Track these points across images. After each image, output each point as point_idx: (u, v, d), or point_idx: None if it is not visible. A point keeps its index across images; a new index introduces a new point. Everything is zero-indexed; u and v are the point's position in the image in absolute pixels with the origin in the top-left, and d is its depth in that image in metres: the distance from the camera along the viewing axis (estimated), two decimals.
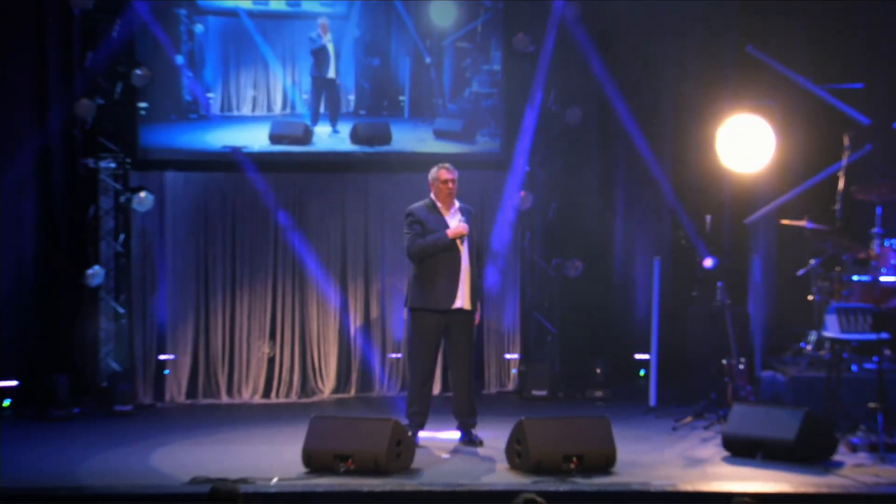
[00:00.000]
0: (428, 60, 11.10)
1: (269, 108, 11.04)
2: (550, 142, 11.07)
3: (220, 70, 10.95)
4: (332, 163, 11.00)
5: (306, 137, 10.94)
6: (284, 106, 11.03)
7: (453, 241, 8.32)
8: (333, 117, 11.03)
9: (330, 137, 11.02)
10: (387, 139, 11.03)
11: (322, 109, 10.98)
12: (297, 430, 7.94)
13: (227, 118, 10.94)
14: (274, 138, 10.92)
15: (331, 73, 10.98)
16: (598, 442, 7.55)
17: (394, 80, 11.15)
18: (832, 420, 8.26)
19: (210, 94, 10.90)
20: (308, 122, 10.98)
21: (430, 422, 8.45)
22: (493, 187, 11.07)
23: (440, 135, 11.09)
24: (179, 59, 10.74)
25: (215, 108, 10.91)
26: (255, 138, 10.88)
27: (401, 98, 11.15)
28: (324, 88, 11.02)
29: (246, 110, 10.98)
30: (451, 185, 8.38)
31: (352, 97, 11.10)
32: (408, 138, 11.06)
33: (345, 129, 11.02)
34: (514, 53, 10.92)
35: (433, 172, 8.47)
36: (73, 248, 10.48)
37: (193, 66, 10.83)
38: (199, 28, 10.88)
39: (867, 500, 7.03)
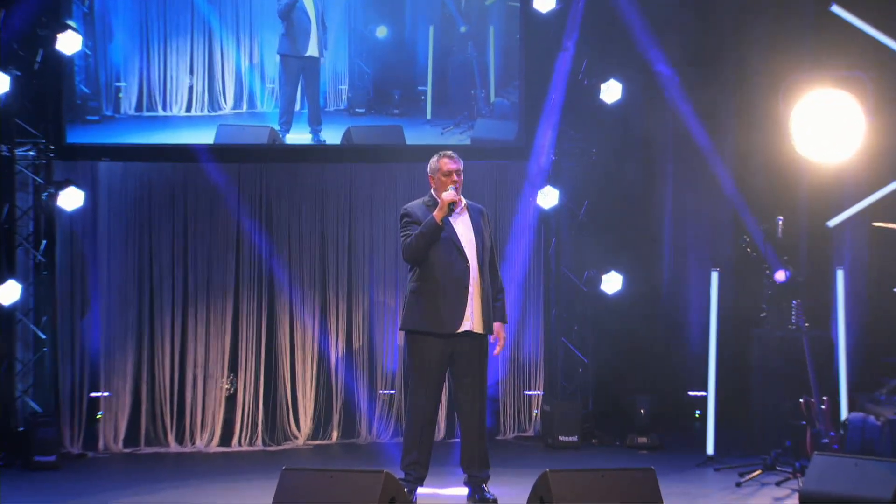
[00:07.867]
0: (463, 30, 10.53)
1: (215, 106, 10.38)
2: (581, 124, 11.05)
3: (136, 47, 10.27)
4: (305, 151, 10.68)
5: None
6: (238, 102, 10.40)
7: (450, 224, 8.21)
8: (315, 117, 10.47)
9: None
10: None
11: (298, 106, 10.41)
12: (265, 486, 7.89)
13: (148, 120, 10.26)
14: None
15: (311, 50, 10.47)
16: (641, 500, 7.45)
17: (409, 61, 10.59)
18: None
19: (120, 84, 10.34)
20: (276, 126, 10.36)
21: (431, 474, 8.43)
22: (510, 181, 11.14)
23: (482, 145, 10.39)
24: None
25: (128, 106, 10.31)
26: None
27: (421, 89, 10.61)
28: (300, 73, 10.41)
29: (177, 109, 10.34)
30: (455, 177, 8.31)
31: (344, 87, 10.64)
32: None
33: (333, 135, 10.35)
34: (533, 12, 10.71)
35: (433, 162, 8.41)
36: None
37: (93, 41, 10.17)
38: None
39: None
